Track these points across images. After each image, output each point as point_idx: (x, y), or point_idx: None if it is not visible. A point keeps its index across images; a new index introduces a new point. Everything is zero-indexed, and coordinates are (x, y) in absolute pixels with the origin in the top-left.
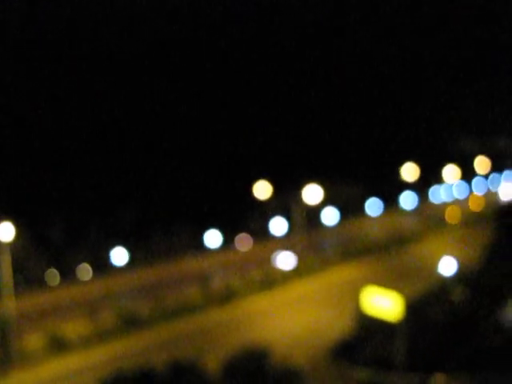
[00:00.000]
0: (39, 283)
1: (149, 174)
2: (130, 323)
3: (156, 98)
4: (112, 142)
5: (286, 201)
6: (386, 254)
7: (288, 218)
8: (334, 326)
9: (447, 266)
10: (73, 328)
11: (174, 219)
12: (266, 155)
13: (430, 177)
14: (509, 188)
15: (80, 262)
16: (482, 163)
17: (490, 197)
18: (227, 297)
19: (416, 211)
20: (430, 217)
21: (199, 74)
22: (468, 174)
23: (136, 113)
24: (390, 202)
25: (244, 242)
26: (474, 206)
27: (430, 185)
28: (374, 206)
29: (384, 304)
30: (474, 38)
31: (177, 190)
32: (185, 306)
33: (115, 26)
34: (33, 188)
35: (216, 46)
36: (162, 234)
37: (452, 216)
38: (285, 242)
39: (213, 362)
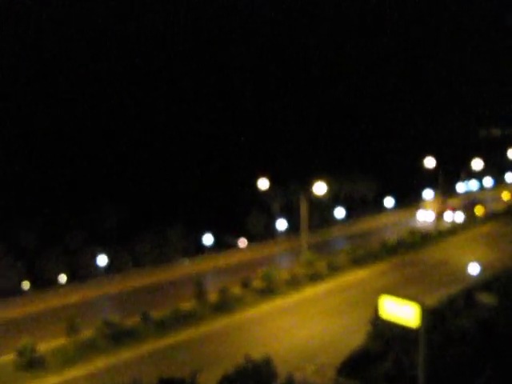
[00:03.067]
0: (15, 293)
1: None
2: (112, 336)
3: (154, 97)
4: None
5: (293, 201)
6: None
7: (289, 219)
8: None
9: (474, 270)
10: (49, 343)
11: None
12: (271, 154)
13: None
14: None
15: (58, 271)
16: None
17: None
18: (223, 306)
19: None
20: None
21: (203, 72)
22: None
23: (136, 110)
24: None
25: (243, 244)
26: (505, 196)
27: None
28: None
29: (403, 311)
30: (497, 28)
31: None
32: (170, 318)
33: (114, 25)
34: (8, 196)
35: (224, 44)
36: (148, 241)
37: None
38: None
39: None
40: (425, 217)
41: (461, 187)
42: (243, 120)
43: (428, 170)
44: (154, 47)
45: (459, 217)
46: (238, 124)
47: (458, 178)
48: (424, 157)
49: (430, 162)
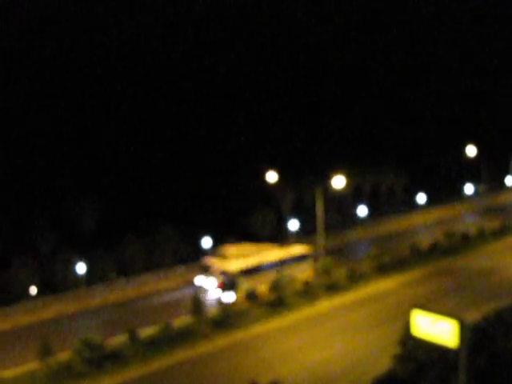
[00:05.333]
0: None
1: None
2: (92, 359)
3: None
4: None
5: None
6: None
7: (302, 219)
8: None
9: None
10: (17, 368)
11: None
12: (281, 144)
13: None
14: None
15: (29, 282)
16: None
17: None
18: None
19: None
20: None
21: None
22: None
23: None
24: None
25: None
26: None
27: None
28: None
29: (439, 329)
30: None
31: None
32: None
33: (113, 26)
34: None
35: (234, 41)
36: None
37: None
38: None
39: None
40: (205, 283)
41: (510, 180)
42: (247, 105)
43: (469, 161)
44: (154, 45)
45: (229, 296)
46: (241, 109)
47: (507, 170)
48: (464, 145)
49: (471, 151)
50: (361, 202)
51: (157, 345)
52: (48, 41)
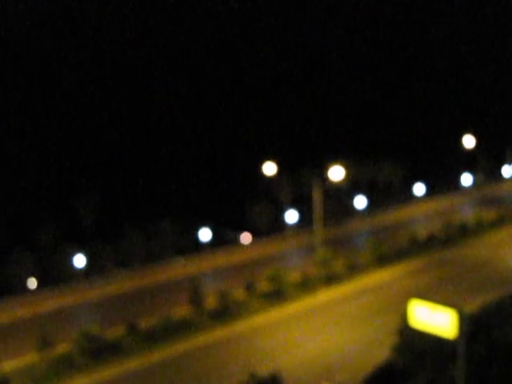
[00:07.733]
0: None
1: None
2: (92, 350)
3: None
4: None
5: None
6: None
7: (301, 210)
8: None
9: None
10: (17, 360)
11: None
12: (279, 134)
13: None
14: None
15: (27, 275)
16: None
17: None
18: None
19: None
20: None
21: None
22: None
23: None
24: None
25: (246, 240)
26: None
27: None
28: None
29: (437, 319)
30: None
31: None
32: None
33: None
34: None
35: (234, 36)
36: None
37: None
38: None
39: None
40: None
41: (507, 171)
42: (245, 95)
43: (467, 151)
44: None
45: None
46: (239, 100)
47: (504, 160)
48: (462, 135)
49: (469, 142)
50: (359, 193)
51: (155, 336)
52: (48, 39)
